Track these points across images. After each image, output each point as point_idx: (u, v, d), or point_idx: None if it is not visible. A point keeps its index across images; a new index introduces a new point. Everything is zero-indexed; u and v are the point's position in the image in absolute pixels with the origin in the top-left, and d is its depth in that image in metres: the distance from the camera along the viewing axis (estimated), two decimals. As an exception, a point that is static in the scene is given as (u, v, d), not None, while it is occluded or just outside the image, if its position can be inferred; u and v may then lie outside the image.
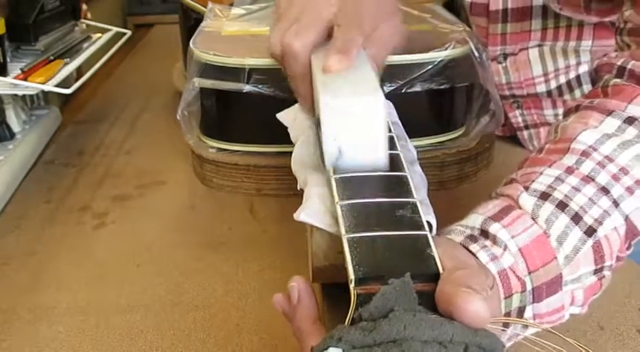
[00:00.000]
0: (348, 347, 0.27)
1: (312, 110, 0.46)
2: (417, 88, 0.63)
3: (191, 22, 0.86)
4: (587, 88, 0.73)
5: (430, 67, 0.62)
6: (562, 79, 0.75)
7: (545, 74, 0.75)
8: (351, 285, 0.30)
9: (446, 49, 0.63)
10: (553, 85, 0.75)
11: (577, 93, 0.75)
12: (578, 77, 0.74)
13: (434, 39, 0.65)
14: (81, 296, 0.56)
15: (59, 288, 0.57)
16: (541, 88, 0.76)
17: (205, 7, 0.80)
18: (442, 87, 0.63)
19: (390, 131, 0.40)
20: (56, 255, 0.62)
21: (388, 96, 0.59)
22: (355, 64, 0.42)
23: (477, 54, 0.65)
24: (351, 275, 0.31)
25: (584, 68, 0.74)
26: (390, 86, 0.62)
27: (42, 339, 0.51)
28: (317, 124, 0.40)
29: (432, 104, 0.68)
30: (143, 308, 0.54)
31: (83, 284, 0.57)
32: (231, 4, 0.80)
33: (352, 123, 0.37)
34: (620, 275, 0.54)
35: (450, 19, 0.73)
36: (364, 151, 0.38)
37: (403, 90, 0.62)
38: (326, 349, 0.27)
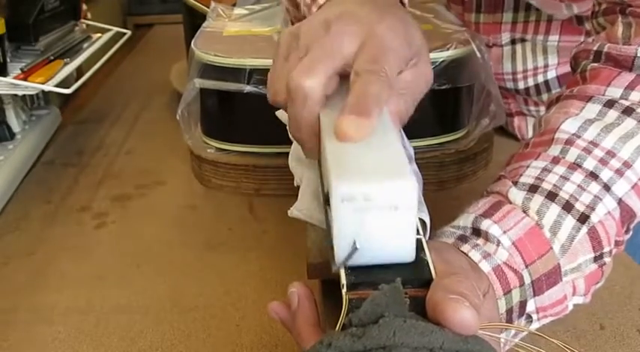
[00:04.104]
0: None
1: (319, 163, 0.39)
2: (418, 88, 0.63)
3: (195, 22, 0.86)
4: (555, 92, 0.75)
5: (432, 67, 0.62)
6: (530, 82, 0.76)
7: (514, 73, 0.77)
8: (343, 290, 0.30)
9: (448, 49, 0.63)
10: (521, 85, 0.77)
11: (544, 97, 0.77)
12: (546, 82, 0.76)
13: (436, 39, 0.65)
14: (81, 296, 0.56)
15: (59, 288, 0.57)
16: (510, 85, 0.78)
17: (208, 7, 0.81)
18: (444, 87, 0.63)
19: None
20: (56, 255, 0.62)
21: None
22: (376, 128, 0.33)
23: (479, 54, 0.65)
24: (343, 280, 0.30)
25: (552, 73, 0.75)
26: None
27: (42, 339, 0.51)
28: (325, 202, 0.33)
29: (433, 104, 0.68)
30: (143, 308, 0.54)
31: (83, 284, 0.57)
32: (234, 4, 0.81)
33: (374, 215, 0.29)
34: (620, 275, 0.54)
35: (453, 19, 0.73)
36: (388, 248, 0.31)
37: (404, 91, 0.62)
38: None
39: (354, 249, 0.30)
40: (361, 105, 0.33)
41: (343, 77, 0.37)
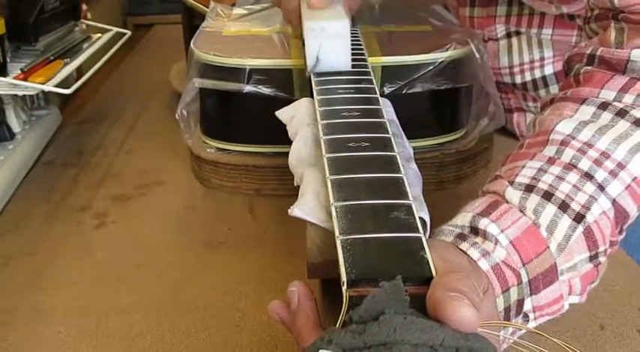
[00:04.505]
0: (338, 349, 0.27)
1: (301, 36, 0.57)
2: (418, 89, 0.63)
3: (194, 22, 0.86)
4: (553, 88, 0.76)
5: (431, 67, 0.62)
6: (527, 76, 0.77)
7: (511, 67, 0.77)
8: (344, 287, 0.30)
9: (447, 49, 0.63)
10: (518, 79, 0.77)
11: (542, 93, 0.77)
12: (544, 77, 0.76)
13: (435, 40, 0.65)
14: (81, 296, 0.56)
15: (59, 288, 0.57)
16: (507, 79, 0.78)
17: (207, 7, 0.80)
18: (443, 88, 0.64)
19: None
20: (56, 255, 0.62)
21: (389, 96, 0.60)
22: (331, 4, 0.56)
23: (477, 55, 0.65)
24: (344, 278, 0.31)
25: (549, 69, 0.75)
26: (391, 87, 0.62)
27: (42, 339, 0.51)
28: (302, 43, 0.55)
29: (432, 105, 0.68)
30: (143, 309, 0.54)
31: (83, 284, 0.57)
32: (233, 4, 0.81)
33: (326, 39, 0.52)
34: (620, 276, 0.55)
35: (451, 20, 0.73)
36: (335, 57, 0.53)
37: (404, 91, 0.62)
38: (316, 351, 0.27)
39: (317, 60, 0.53)
40: None
41: None
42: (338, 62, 0.53)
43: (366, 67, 0.55)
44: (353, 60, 0.54)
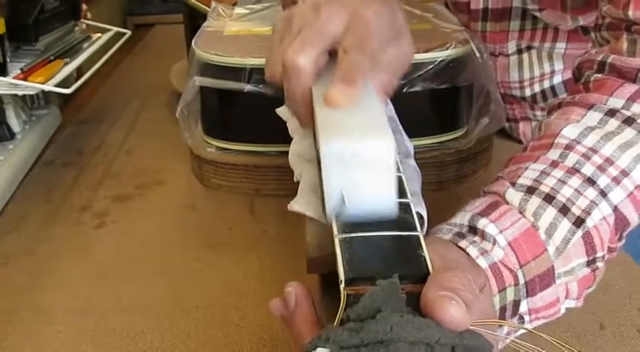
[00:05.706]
0: (336, 347, 0.27)
1: (313, 134, 0.42)
2: (418, 88, 0.63)
3: (196, 22, 0.86)
4: (561, 97, 0.76)
5: (431, 66, 0.62)
6: (537, 88, 0.76)
7: (521, 81, 0.77)
8: (341, 286, 0.30)
9: (447, 48, 0.63)
10: (528, 92, 0.77)
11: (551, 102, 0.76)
12: (552, 87, 0.76)
13: (435, 38, 0.65)
14: (81, 296, 0.56)
15: (59, 288, 0.57)
16: (516, 92, 0.78)
17: (209, 6, 0.81)
18: (443, 87, 0.63)
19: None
20: (56, 255, 0.62)
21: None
22: (361, 96, 0.37)
23: (478, 54, 0.65)
24: (341, 276, 0.31)
25: (558, 78, 0.75)
26: (391, 86, 0.62)
27: (42, 339, 0.51)
28: (317, 162, 0.35)
29: (432, 104, 0.68)
30: (143, 308, 0.54)
31: (83, 284, 0.57)
32: (234, 4, 0.81)
33: (358, 170, 0.33)
34: (620, 275, 0.54)
35: (452, 18, 0.73)
36: (372, 200, 0.34)
37: (404, 90, 0.62)
38: (314, 349, 0.27)
39: (342, 201, 0.33)
40: (347, 76, 0.38)
41: (332, 55, 0.41)
42: (377, 204, 0.34)
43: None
44: None
